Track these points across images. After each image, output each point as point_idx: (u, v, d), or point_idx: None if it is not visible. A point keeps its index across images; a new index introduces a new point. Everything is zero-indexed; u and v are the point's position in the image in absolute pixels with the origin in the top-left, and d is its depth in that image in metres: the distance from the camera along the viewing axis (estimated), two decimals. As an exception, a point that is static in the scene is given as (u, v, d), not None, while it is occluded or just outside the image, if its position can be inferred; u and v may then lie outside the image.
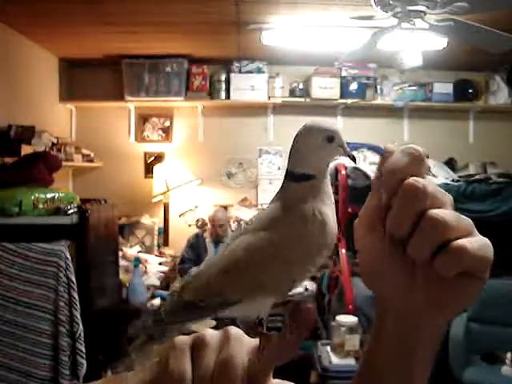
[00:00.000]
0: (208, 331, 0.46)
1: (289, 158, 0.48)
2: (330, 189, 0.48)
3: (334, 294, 3.63)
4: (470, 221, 0.41)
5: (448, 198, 0.41)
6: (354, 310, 3.09)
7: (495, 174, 3.91)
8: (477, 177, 3.93)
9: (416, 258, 0.41)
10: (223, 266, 0.46)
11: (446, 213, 0.39)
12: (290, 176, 0.48)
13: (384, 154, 0.43)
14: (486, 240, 0.40)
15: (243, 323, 0.48)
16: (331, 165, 0.47)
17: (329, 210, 0.46)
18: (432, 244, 0.39)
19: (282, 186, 0.49)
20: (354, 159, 0.49)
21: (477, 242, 0.39)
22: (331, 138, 0.46)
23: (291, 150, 0.48)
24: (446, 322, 0.45)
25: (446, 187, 3.54)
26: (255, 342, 0.45)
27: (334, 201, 0.48)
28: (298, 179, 0.47)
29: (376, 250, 0.43)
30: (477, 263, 0.39)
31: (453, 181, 3.91)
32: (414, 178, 0.40)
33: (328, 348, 2.85)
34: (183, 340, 0.45)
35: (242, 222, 4.62)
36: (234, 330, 0.45)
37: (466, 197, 3.53)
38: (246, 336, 0.46)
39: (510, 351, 2.93)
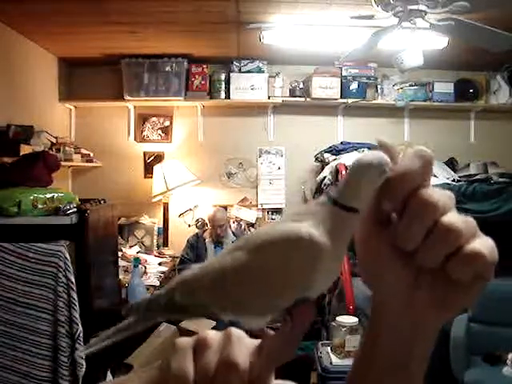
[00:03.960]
0: (210, 332, 0.45)
1: (337, 186, 0.43)
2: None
3: (334, 295, 3.62)
4: (473, 221, 0.41)
5: (452, 201, 0.41)
6: (355, 310, 3.08)
7: (496, 174, 3.90)
8: (478, 177, 3.92)
9: (427, 266, 0.41)
10: (212, 280, 0.44)
11: (457, 219, 0.40)
12: (334, 202, 0.42)
13: (379, 147, 0.42)
14: (491, 240, 0.41)
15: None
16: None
17: (339, 248, 0.42)
18: (446, 252, 0.39)
19: (315, 203, 0.43)
20: None
21: (488, 245, 0.40)
22: (385, 172, 0.41)
23: (345, 181, 0.42)
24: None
25: (446, 187, 3.53)
26: (257, 343, 0.45)
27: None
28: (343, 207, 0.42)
29: (377, 251, 0.43)
30: (487, 266, 0.40)
31: (454, 181, 3.90)
32: (428, 191, 0.40)
33: (328, 348, 2.85)
34: (185, 342, 0.44)
35: (241, 223, 4.62)
36: (235, 332, 0.45)
37: (467, 197, 3.52)
38: (248, 337, 0.45)
39: (511, 352, 2.92)
